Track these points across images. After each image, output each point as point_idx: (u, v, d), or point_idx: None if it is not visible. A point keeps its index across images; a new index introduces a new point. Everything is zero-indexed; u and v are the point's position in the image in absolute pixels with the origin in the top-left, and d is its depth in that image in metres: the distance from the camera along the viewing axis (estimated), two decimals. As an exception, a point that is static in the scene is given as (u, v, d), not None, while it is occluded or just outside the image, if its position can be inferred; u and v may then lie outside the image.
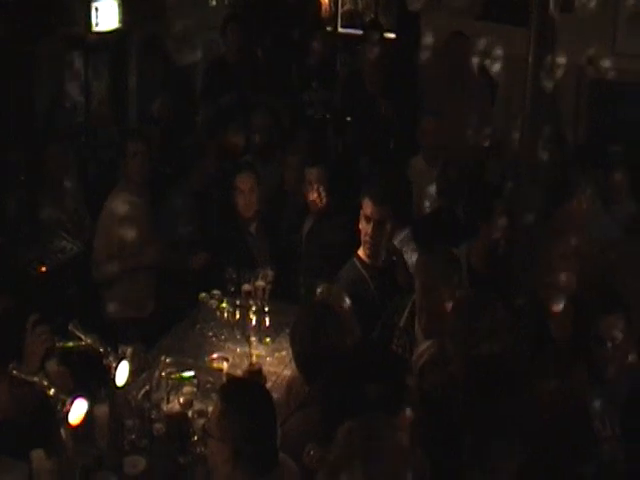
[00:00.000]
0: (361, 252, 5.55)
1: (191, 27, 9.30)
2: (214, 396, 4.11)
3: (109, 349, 4.48)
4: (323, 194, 6.36)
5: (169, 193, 6.93)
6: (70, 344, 4.51)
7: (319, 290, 5.26)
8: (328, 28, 9.74)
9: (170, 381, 4.91)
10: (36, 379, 4.22)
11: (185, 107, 8.66)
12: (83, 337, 4.48)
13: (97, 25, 8.53)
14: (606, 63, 8.10)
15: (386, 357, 4.49)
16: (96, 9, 8.47)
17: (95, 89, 8.66)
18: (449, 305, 4.73)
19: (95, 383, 4.57)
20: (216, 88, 8.32)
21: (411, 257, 5.60)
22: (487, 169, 7.66)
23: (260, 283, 5.88)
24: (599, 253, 5.74)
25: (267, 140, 7.44)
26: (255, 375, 5.10)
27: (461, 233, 6.02)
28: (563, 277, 5.45)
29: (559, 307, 5.28)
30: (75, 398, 4.11)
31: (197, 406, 4.73)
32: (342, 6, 9.88)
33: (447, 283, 4.82)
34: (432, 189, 7.00)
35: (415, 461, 3.28)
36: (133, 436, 4.60)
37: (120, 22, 8.78)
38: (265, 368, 5.23)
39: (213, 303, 5.83)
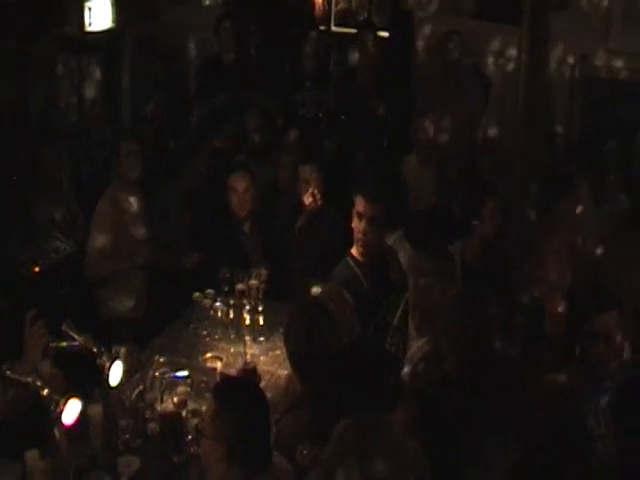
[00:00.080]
0: (354, 250, 5.54)
1: (184, 26, 9.29)
2: (208, 395, 4.10)
3: (102, 349, 4.48)
4: (317, 195, 6.36)
5: (162, 193, 6.92)
6: (63, 344, 4.50)
7: (318, 289, 5.28)
8: (321, 27, 9.69)
9: (164, 381, 4.91)
10: (30, 380, 4.20)
11: (179, 107, 8.65)
12: (77, 337, 4.48)
13: (90, 25, 8.51)
14: (600, 61, 8.11)
15: (380, 356, 4.50)
16: (89, 9, 8.46)
17: (88, 89, 8.64)
18: (443, 303, 4.73)
19: (89, 383, 4.57)
20: (210, 87, 8.31)
21: (405, 256, 5.60)
22: (481, 167, 7.67)
23: (254, 282, 5.88)
24: (593, 250, 5.75)
25: (260, 139, 7.44)
26: (250, 374, 5.10)
27: (456, 230, 6.02)
28: (557, 274, 5.46)
29: (553, 304, 5.29)
30: (69, 398, 4.11)
31: (191, 406, 4.74)
32: (336, 5, 9.84)
33: (441, 281, 4.82)
34: (426, 187, 7.01)
35: (414, 458, 3.28)
36: (127, 436, 4.60)
37: (113, 22, 8.77)
38: (259, 367, 5.23)
39: (207, 302, 5.84)
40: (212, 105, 8.12)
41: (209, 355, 5.44)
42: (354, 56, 8.58)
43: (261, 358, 5.46)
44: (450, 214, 6.57)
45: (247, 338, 5.61)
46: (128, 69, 9.02)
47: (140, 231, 6.51)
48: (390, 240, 5.74)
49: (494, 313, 4.50)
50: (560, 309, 5.23)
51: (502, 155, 7.48)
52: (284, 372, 5.12)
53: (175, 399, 4.76)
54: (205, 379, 5.02)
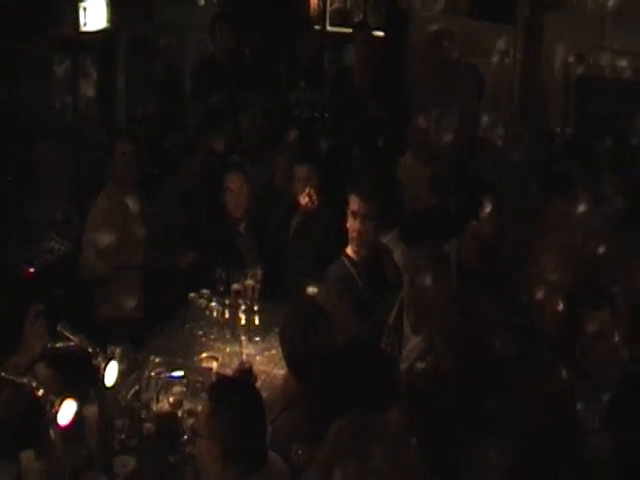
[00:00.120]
0: (349, 250, 5.56)
1: (180, 26, 9.29)
2: (204, 396, 4.10)
3: (98, 349, 4.48)
4: (314, 196, 6.36)
5: (158, 193, 6.92)
6: (59, 345, 4.50)
7: (313, 289, 5.28)
8: (317, 27, 9.70)
9: (160, 381, 4.91)
10: (25, 380, 4.20)
11: (174, 107, 8.65)
12: (72, 337, 4.48)
13: (85, 25, 8.52)
14: (595, 60, 8.11)
15: (375, 355, 4.50)
16: (84, 9, 8.46)
17: (83, 89, 8.64)
18: (438, 301, 4.73)
19: (84, 383, 4.56)
20: (205, 88, 8.31)
21: (400, 255, 5.61)
22: (476, 165, 7.66)
23: (249, 282, 5.89)
24: (588, 248, 5.75)
25: (255, 139, 7.45)
26: (246, 374, 5.10)
27: (451, 229, 6.02)
28: (554, 273, 5.46)
29: (551, 303, 5.29)
30: (64, 399, 4.11)
31: (187, 406, 4.74)
32: (331, 5, 9.84)
33: (436, 279, 4.83)
34: (422, 186, 7.01)
35: (411, 458, 3.28)
36: (123, 436, 4.61)
37: (108, 22, 8.77)
38: (255, 367, 5.24)
39: (202, 302, 5.85)
40: (207, 105, 8.12)
41: (205, 355, 5.44)
42: (349, 56, 8.58)
43: (257, 358, 5.46)
44: (445, 213, 6.56)
45: (243, 338, 5.61)
46: (123, 69, 9.03)
47: (135, 231, 6.50)
48: (385, 239, 5.74)
49: (490, 312, 4.50)
50: (558, 308, 5.23)
51: (498, 154, 7.47)
52: (280, 372, 5.12)
53: (171, 399, 4.76)
54: (201, 379, 5.02)
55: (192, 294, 5.88)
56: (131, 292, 6.51)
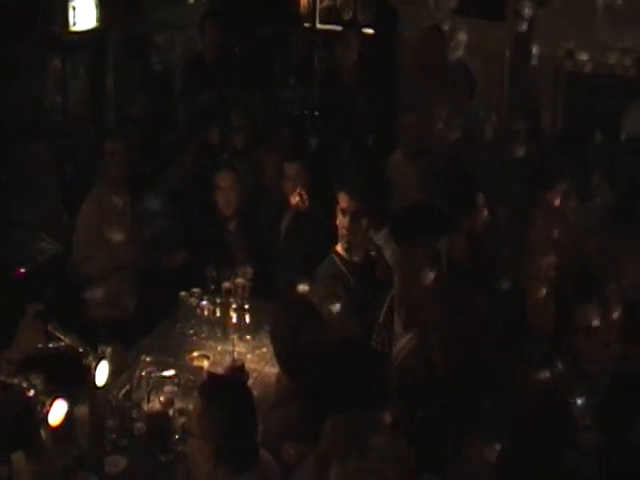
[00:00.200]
0: (339, 247, 5.56)
1: (169, 25, 9.27)
2: (195, 394, 4.10)
3: (89, 349, 4.46)
4: (304, 195, 6.35)
5: (148, 192, 6.91)
6: (50, 345, 4.49)
7: (304, 287, 5.28)
8: (306, 24, 9.72)
9: (151, 380, 4.91)
10: (16, 381, 4.20)
11: (164, 106, 8.64)
12: (63, 337, 4.46)
13: (75, 24, 8.50)
14: (584, 56, 8.11)
15: (366, 353, 4.50)
16: (74, 8, 8.44)
17: (73, 89, 8.62)
18: (429, 299, 4.74)
19: (75, 383, 4.55)
20: (194, 86, 8.30)
21: (391, 253, 5.61)
22: (466, 162, 7.67)
23: (240, 281, 5.89)
24: (578, 243, 5.76)
25: (245, 137, 7.44)
26: (238, 372, 5.11)
27: (441, 226, 6.02)
28: (543, 267, 5.47)
29: (540, 297, 5.30)
30: (55, 399, 4.10)
31: (178, 405, 4.75)
32: (320, 2, 9.85)
33: (426, 276, 4.83)
34: (411, 183, 7.01)
35: (401, 453, 3.29)
36: (114, 436, 4.62)
37: (98, 21, 8.75)
38: (246, 365, 5.24)
39: (193, 301, 5.85)
40: (197, 103, 8.12)
41: (196, 354, 5.45)
42: (339, 53, 8.58)
43: (248, 356, 5.46)
44: (436, 210, 6.56)
45: (234, 336, 5.61)
46: (113, 69, 9.00)
47: (126, 231, 6.48)
48: (376, 238, 5.74)
49: (482, 309, 4.51)
50: (548, 303, 5.25)
51: (487, 150, 7.48)
52: (271, 370, 5.13)
53: (162, 398, 4.76)
54: (192, 378, 5.03)
55: (183, 293, 5.88)
56: (122, 292, 6.50)
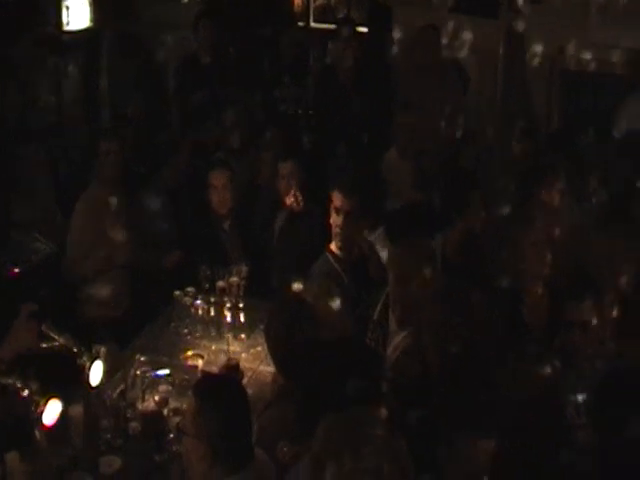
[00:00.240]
0: (333, 246, 5.57)
1: (163, 24, 9.26)
2: (190, 394, 4.10)
3: (83, 349, 4.46)
4: (299, 197, 6.34)
5: (142, 192, 6.90)
6: (44, 345, 4.48)
7: (299, 285, 5.28)
8: (300, 23, 9.72)
9: (145, 380, 4.90)
10: (10, 381, 4.19)
11: (158, 105, 8.63)
12: (57, 337, 4.46)
13: (68, 24, 8.50)
14: (577, 53, 8.13)
15: (361, 351, 4.50)
16: (67, 8, 8.44)
17: (67, 88, 8.61)
18: (423, 296, 4.73)
19: (69, 383, 4.55)
20: (188, 85, 8.30)
21: (385, 252, 5.61)
22: (461, 160, 7.68)
23: (234, 279, 5.88)
24: (573, 241, 5.77)
25: (240, 136, 7.43)
26: (232, 371, 5.10)
27: (436, 224, 6.03)
28: (537, 265, 5.47)
29: (535, 295, 5.31)
30: (49, 399, 4.10)
31: (172, 404, 4.75)
32: (314, 1, 9.85)
33: (421, 274, 4.83)
34: (406, 181, 7.02)
35: (397, 452, 3.28)
36: (108, 435, 4.61)
37: (91, 21, 8.75)
38: (240, 364, 5.23)
39: (187, 300, 5.84)
40: (191, 103, 8.11)
41: (190, 353, 5.45)
42: (333, 52, 8.58)
43: (242, 355, 5.45)
44: (430, 208, 6.57)
45: (228, 335, 5.62)
46: (107, 68, 9.00)
47: (120, 231, 6.48)
48: (371, 238, 5.74)
49: (479, 307, 4.51)
50: (542, 300, 5.25)
51: (481, 148, 7.49)
52: (266, 369, 5.13)
53: (156, 398, 4.77)
54: (187, 377, 5.02)
55: (177, 292, 5.88)
56: (116, 291, 6.49)
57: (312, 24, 9.81)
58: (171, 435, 4.52)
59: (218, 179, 6.52)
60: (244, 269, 5.92)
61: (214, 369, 5.17)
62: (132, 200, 6.73)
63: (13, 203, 6.70)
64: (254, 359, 5.42)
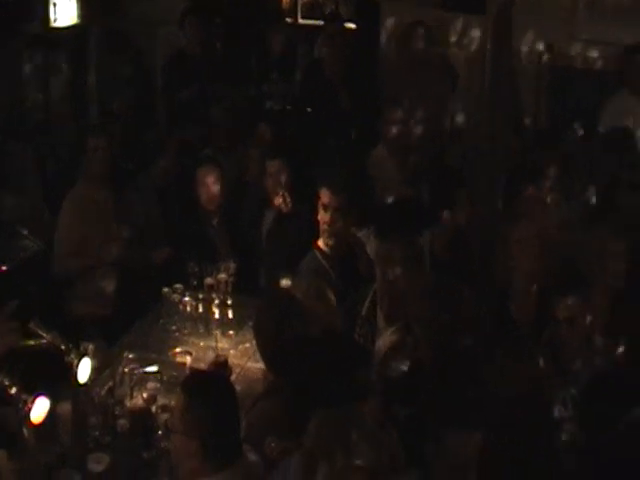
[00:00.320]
0: (320, 243, 5.58)
1: (151, 21, 9.24)
2: (178, 391, 4.09)
3: (71, 346, 4.45)
4: (287, 198, 6.33)
5: (131, 188, 6.90)
6: (31, 342, 4.47)
7: (287, 281, 5.28)
8: (288, 19, 9.72)
9: (134, 377, 4.90)
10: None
11: (146, 102, 8.62)
12: (44, 335, 4.45)
13: (55, 21, 8.48)
14: (565, 49, 8.15)
15: (349, 347, 4.51)
16: (54, 5, 8.42)
17: (54, 86, 8.59)
18: (411, 292, 4.74)
19: (57, 381, 4.54)
20: (176, 82, 8.29)
21: (373, 248, 5.62)
22: (449, 157, 7.69)
23: (222, 276, 5.88)
24: (561, 237, 5.78)
25: (227, 133, 7.43)
26: (221, 367, 5.10)
27: (424, 221, 6.03)
28: (524, 261, 5.49)
29: (522, 291, 5.32)
30: (37, 396, 4.09)
31: (161, 401, 4.72)
32: (302, -3, 9.87)
33: (408, 269, 4.83)
34: (394, 178, 7.02)
35: (389, 446, 3.29)
36: (96, 433, 4.59)
37: (79, 17, 8.73)
38: (229, 361, 5.23)
39: (176, 297, 5.84)
40: (179, 99, 8.10)
41: (179, 350, 5.42)
42: (321, 48, 8.58)
43: (231, 352, 5.44)
44: (418, 205, 6.57)
45: (216, 332, 5.63)
46: (94, 65, 8.97)
47: (108, 227, 6.48)
48: (359, 234, 5.74)
49: (466, 303, 4.52)
50: (529, 296, 5.27)
51: (470, 144, 7.49)
52: (254, 365, 5.14)
53: (145, 395, 4.75)
54: (175, 374, 5.01)
55: (165, 289, 5.87)
56: (104, 288, 6.49)
57: (300, 20, 9.81)
58: (159, 432, 4.51)
59: (207, 175, 6.52)
60: (232, 266, 5.92)
61: (202, 366, 5.16)
62: (120, 197, 6.72)
63: (1, 200, 6.68)
64: (242, 355, 5.41)
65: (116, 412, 4.69)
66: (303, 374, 4.08)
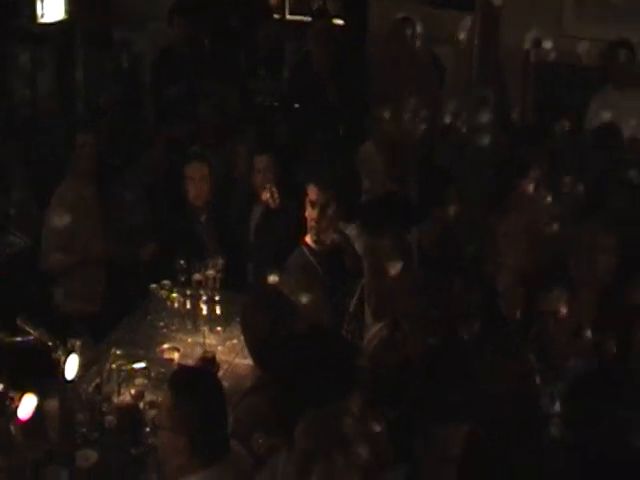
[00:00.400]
0: (308, 239, 5.58)
1: (139, 16, 9.22)
2: (166, 387, 4.10)
3: (58, 343, 4.44)
4: (275, 194, 6.33)
5: (118, 185, 6.89)
6: (19, 339, 4.47)
7: (275, 278, 5.28)
8: (276, 15, 9.71)
9: (121, 373, 4.90)
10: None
11: (134, 98, 8.60)
12: (32, 331, 4.45)
13: (43, 17, 8.45)
14: (552, 46, 8.16)
15: (337, 343, 4.51)
16: (41, 0, 8.39)
17: (42, 82, 8.56)
18: (398, 288, 4.75)
19: (44, 377, 4.54)
20: (164, 78, 8.27)
21: (361, 244, 5.62)
22: (437, 153, 7.70)
23: (210, 272, 5.87)
24: (549, 232, 5.80)
25: (215, 130, 7.42)
26: (208, 363, 5.10)
27: (412, 217, 6.04)
28: (514, 257, 5.50)
29: (510, 286, 5.33)
30: (24, 393, 4.09)
31: (148, 397, 4.74)
32: (290, -7, 9.85)
33: (396, 264, 4.84)
34: (382, 174, 7.02)
35: (378, 442, 3.30)
36: (84, 429, 4.59)
37: (66, 13, 8.70)
38: (216, 357, 5.23)
39: (163, 294, 5.84)
40: (167, 95, 8.09)
41: (166, 346, 5.43)
42: (309, 44, 8.57)
43: (218, 348, 5.44)
44: (406, 200, 6.58)
45: (204, 328, 5.62)
46: (82, 61, 8.95)
47: (96, 223, 6.47)
48: (347, 230, 5.75)
49: (455, 299, 4.53)
50: (517, 291, 5.28)
51: (457, 140, 7.51)
52: (242, 361, 5.15)
53: (132, 391, 4.76)
54: (163, 370, 5.02)
55: (153, 285, 5.87)
56: (92, 285, 6.48)
57: (288, 16, 9.78)
58: (147, 428, 4.51)
59: (195, 171, 6.51)
60: (220, 262, 5.92)
61: (190, 362, 5.17)
62: (107, 193, 6.71)
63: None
64: (230, 352, 5.41)
65: (104, 409, 4.69)
66: (291, 370, 4.07)
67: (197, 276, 5.86)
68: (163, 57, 8.46)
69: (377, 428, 3.44)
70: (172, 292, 5.84)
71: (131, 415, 4.62)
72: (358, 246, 5.50)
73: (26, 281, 6.42)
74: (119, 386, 4.84)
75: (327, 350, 4.23)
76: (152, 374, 4.96)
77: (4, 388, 4.10)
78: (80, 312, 6.31)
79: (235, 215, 6.77)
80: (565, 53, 8.03)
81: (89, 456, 4.42)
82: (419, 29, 8.19)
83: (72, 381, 4.48)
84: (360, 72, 8.47)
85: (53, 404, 4.51)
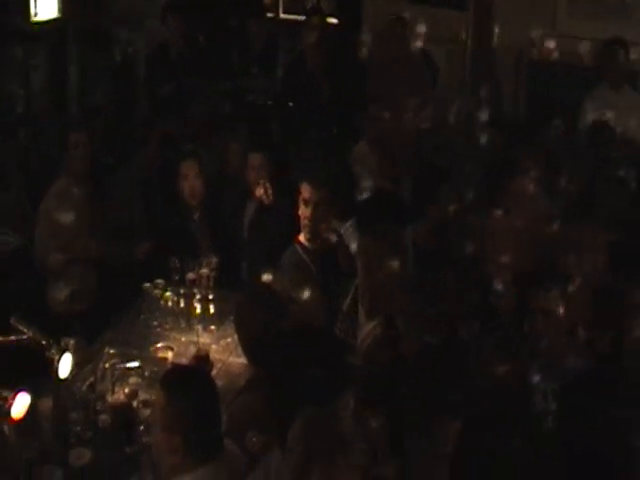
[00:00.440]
0: (301, 237, 5.58)
1: (133, 14, 9.22)
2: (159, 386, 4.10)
3: (52, 342, 4.45)
4: (269, 190, 6.34)
5: (112, 183, 6.88)
6: (12, 337, 4.47)
7: (268, 276, 5.28)
8: (270, 14, 9.71)
9: (115, 372, 4.89)
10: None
11: (128, 96, 8.59)
12: (25, 330, 4.45)
13: (36, 15, 8.44)
14: (546, 44, 8.17)
15: (330, 341, 4.51)
16: (35, -2, 8.40)
17: (35, 80, 8.56)
18: (393, 287, 4.75)
19: (38, 376, 4.54)
20: (158, 76, 8.27)
21: (355, 243, 5.62)
22: (431, 151, 7.70)
23: (204, 271, 5.87)
24: (541, 230, 5.81)
25: (209, 127, 7.42)
26: (202, 362, 5.10)
27: (406, 215, 6.04)
28: (507, 255, 5.50)
29: (504, 284, 5.33)
30: (18, 392, 4.08)
31: (142, 396, 4.74)
32: (284, -9, 9.85)
33: (390, 262, 4.84)
34: (376, 173, 7.02)
35: (373, 439, 3.30)
36: (78, 428, 4.59)
37: (60, 11, 8.69)
38: (210, 355, 5.23)
39: (157, 292, 5.83)
40: (160, 93, 8.09)
41: (160, 345, 5.42)
42: (303, 43, 8.57)
43: (212, 347, 5.44)
44: (400, 199, 6.58)
45: (198, 327, 5.62)
46: (75, 59, 8.94)
47: (89, 222, 6.46)
48: (341, 230, 5.75)
49: (451, 296, 4.53)
50: (509, 289, 5.28)
51: (451, 139, 7.50)
52: (236, 360, 5.15)
53: (126, 390, 4.76)
54: (156, 369, 5.01)
55: (147, 284, 5.87)
56: (85, 284, 6.47)
57: (282, 15, 9.78)
58: (141, 427, 4.51)
59: (189, 169, 6.52)
60: (214, 260, 5.91)
61: (184, 361, 5.17)
62: (101, 192, 6.71)
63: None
64: (224, 350, 5.41)
65: (97, 407, 4.68)
66: (284, 368, 4.08)
67: (191, 275, 5.86)
68: (157, 54, 8.46)
69: (377, 427, 3.45)
70: (166, 291, 5.84)
71: (125, 414, 4.62)
72: (352, 243, 5.50)
73: (19, 280, 6.42)
74: (113, 385, 4.84)
75: (319, 348, 4.24)
76: (146, 373, 4.96)
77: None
78: (74, 311, 6.31)
79: (228, 211, 6.76)
80: (559, 51, 8.04)
81: (83, 455, 4.42)
82: (413, 28, 8.20)
83: (66, 380, 4.50)
84: (354, 71, 8.47)
85: (47, 403, 4.52)
